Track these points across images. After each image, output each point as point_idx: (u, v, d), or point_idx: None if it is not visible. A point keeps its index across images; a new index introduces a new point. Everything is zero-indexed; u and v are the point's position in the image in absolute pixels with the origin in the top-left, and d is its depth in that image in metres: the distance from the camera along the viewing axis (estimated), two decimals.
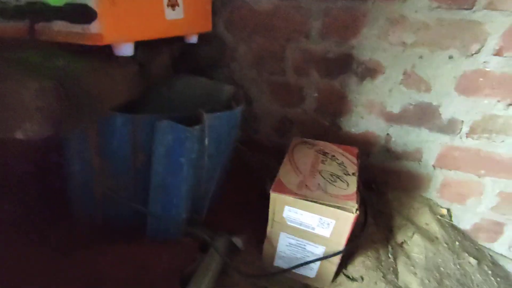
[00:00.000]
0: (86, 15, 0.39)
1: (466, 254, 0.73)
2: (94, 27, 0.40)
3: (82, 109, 0.43)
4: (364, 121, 0.81)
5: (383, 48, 0.73)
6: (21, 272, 0.48)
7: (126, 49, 0.45)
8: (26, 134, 0.33)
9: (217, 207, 0.66)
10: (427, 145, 0.78)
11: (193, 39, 0.66)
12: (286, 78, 0.83)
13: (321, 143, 0.71)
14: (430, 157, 0.79)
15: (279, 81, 0.84)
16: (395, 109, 0.77)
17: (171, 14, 0.54)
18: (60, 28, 0.40)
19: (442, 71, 0.70)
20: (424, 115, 0.75)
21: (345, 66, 0.77)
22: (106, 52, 0.45)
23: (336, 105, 0.82)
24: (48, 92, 0.33)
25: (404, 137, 0.79)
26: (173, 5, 0.54)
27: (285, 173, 0.60)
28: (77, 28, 0.40)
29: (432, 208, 0.81)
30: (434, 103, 0.73)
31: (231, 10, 0.81)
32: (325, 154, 0.67)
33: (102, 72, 0.44)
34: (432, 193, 0.82)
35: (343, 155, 0.67)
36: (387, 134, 0.81)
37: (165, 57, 0.60)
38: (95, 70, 0.42)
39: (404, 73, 0.73)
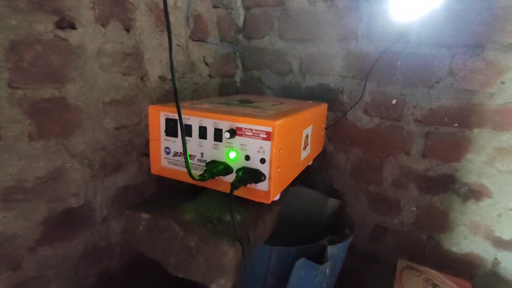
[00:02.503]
0: (258, 177, 0.49)
1: None
2: (262, 186, 0.50)
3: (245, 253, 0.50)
4: (467, 242, 0.79)
5: (490, 174, 0.74)
6: None
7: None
8: (220, 287, 0.41)
9: None
10: None
11: None
12: (383, 189, 0.87)
13: (429, 270, 0.71)
14: None
15: (376, 190, 0.88)
16: (506, 235, 0.75)
17: (303, 154, 0.63)
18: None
19: None
20: None
21: (446, 185, 0.79)
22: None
23: (435, 221, 0.82)
24: (238, 253, 0.42)
25: None
26: (305, 146, 0.63)
27: None
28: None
29: None
30: None
31: (334, 123, 0.90)
32: (434, 286, 0.67)
33: (260, 221, 0.52)
34: None
35: None
36: (495, 258, 0.77)
37: None
38: (256, 219, 0.51)
39: None
